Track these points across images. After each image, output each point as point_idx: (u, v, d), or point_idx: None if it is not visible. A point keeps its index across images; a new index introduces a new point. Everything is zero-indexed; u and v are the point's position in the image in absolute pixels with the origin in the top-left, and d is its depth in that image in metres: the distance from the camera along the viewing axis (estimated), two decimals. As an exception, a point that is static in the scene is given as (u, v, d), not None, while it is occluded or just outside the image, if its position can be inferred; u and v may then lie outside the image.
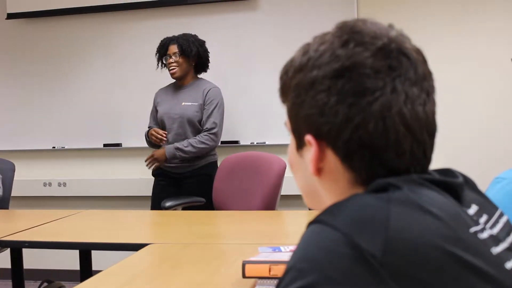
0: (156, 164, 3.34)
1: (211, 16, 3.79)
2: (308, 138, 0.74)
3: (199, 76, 3.45)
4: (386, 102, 0.69)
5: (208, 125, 3.27)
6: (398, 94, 0.70)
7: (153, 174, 3.46)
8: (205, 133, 3.27)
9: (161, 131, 3.32)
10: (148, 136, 3.39)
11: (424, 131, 0.72)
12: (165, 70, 3.38)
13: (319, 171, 0.75)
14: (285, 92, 0.79)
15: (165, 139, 3.30)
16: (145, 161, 3.37)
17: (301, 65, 0.75)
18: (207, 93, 3.31)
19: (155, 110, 3.46)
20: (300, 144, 0.77)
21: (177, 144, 3.25)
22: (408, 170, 0.71)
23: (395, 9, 3.57)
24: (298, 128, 0.76)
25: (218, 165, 3.36)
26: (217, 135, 3.31)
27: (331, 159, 0.73)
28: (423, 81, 0.72)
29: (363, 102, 0.69)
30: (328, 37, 0.74)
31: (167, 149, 3.27)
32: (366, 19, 0.75)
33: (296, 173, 0.82)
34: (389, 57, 0.71)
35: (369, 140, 0.70)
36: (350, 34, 0.72)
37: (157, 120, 3.42)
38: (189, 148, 3.24)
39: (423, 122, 0.71)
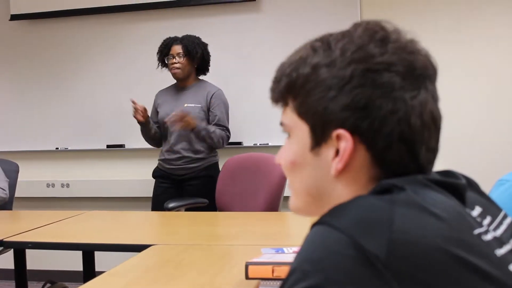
0: (185, 126, 3.16)
1: (214, 17, 3.80)
2: (340, 132, 0.72)
3: (199, 77, 3.45)
4: (423, 99, 0.72)
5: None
6: (428, 93, 0.73)
7: (153, 176, 3.45)
8: (225, 133, 3.30)
9: (139, 105, 3.25)
10: (142, 128, 3.33)
11: (441, 129, 0.75)
12: (169, 71, 3.38)
13: (344, 167, 0.73)
14: (293, 89, 0.76)
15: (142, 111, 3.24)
16: (172, 117, 3.14)
17: (328, 61, 0.73)
18: (212, 96, 3.32)
19: (155, 111, 3.45)
20: (319, 142, 0.75)
21: (205, 125, 3.22)
22: (428, 165, 0.74)
23: (397, 10, 3.56)
24: (323, 124, 0.74)
25: (219, 166, 3.37)
26: (229, 138, 3.36)
27: (362, 154, 0.72)
28: (436, 80, 0.76)
29: (406, 96, 0.71)
30: (357, 34, 0.74)
31: (198, 122, 3.21)
32: (382, 20, 0.77)
33: (300, 172, 0.78)
34: (421, 58, 0.74)
35: (409, 135, 0.71)
36: (384, 32, 0.74)
37: (157, 121, 3.41)
38: (213, 135, 3.23)
39: (440, 120, 0.75)
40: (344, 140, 0.72)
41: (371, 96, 0.70)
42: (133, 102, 3.25)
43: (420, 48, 0.75)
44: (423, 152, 0.72)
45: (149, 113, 3.41)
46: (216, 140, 3.26)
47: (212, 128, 3.25)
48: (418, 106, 0.71)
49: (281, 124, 0.81)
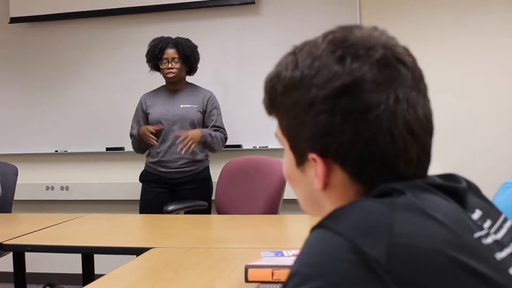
0: (194, 145, 3.16)
1: (214, 20, 3.80)
2: (313, 156, 0.72)
3: (187, 79, 3.46)
4: (391, 114, 0.69)
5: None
6: (401, 103, 0.70)
7: (142, 180, 3.41)
8: (224, 135, 3.34)
9: (151, 127, 3.23)
10: (138, 136, 3.30)
11: (427, 134, 0.73)
12: (161, 74, 3.38)
13: (325, 185, 0.74)
14: (274, 107, 0.78)
15: (154, 138, 3.23)
16: (179, 142, 3.14)
17: (294, 82, 0.73)
18: (208, 99, 3.35)
19: (143, 115, 3.39)
20: (301, 161, 0.76)
21: (207, 131, 3.25)
22: (415, 175, 0.71)
23: (396, 11, 3.56)
24: (299, 147, 0.75)
25: (216, 170, 3.38)
26: (227, 139, 3.41)
27: (338, 174, 0.72)
28: (419, 83, 0.73)
29: (369, 117, 0.68)
30: (319, 52, 0.72)
31: (202, 131, 3.22)
32: (351, 26, 0.75)
33: (296, 185, 0.81)
34: (388, 68, 0.70)
35: (380, 153, 0.69)
36: (344, 48, 0.71)
37: (148, 123, 3.36)
38: (215, 140, 3.28)
39: (425, 125, 0.72)
40: (317, 163, 0.72)
41: (332, 122, 0.70)
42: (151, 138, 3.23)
43: (395, 49, 0.72)
44: (402, 165, 0.70)
45: (138, 119, 3.41)
46: (217, 144, 3.31)
47: (213, 132, 3.28)
48: (387, 121, 0.68)
49: (276, 135, 0.82)
